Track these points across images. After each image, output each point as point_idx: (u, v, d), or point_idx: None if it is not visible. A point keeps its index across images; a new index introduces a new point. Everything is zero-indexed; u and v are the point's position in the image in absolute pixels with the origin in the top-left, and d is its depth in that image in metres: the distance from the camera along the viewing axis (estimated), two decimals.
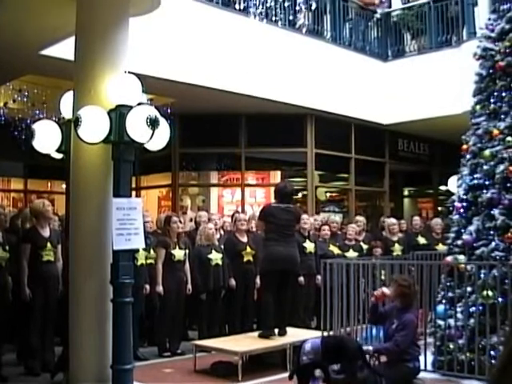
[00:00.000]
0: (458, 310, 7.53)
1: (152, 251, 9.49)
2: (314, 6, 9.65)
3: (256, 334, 9.05)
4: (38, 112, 11.86)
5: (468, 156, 8.16)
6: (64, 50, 8.32)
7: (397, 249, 11.71)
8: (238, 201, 14.73)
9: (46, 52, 9.18)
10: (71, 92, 6.31)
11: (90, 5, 6.23)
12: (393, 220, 12.44)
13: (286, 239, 8.94)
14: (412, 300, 7.31)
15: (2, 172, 15.09)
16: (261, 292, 9.58)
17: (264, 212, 9.22)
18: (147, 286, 9.31)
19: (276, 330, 8.87)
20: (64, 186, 6.94)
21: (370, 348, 7.13)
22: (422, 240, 12.21)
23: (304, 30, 11.74)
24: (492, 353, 7.11)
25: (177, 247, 9.52)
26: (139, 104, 5.82)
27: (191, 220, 12.15)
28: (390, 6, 15.79)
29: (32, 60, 9.45)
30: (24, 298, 8.09)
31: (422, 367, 7.39)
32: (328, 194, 17.24)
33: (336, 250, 11.18)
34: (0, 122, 12.55)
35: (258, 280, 10.12)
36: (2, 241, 7.90)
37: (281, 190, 9.28)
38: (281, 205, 9.02)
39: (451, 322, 7.55)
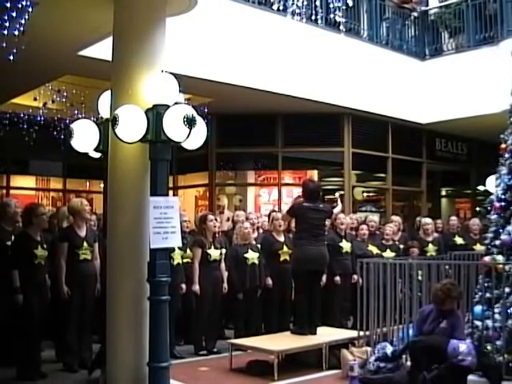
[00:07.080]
0: (496, 310, 7.43)
1: (188, 251, 9.56)
2: (350, 4, 9.58)
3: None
4: (76, 112, 11.97)
5: (506, 155, 8.05)
6: (102, 50, 8.41)
7: (431, 249, 11.57)
8: (274, 200, 14.77)
9: (84, 53, 9.28)
10: (109, 92, 6.36)
11: (127, 5, 6.27)
12: (427, 220, 12.29)
13: (316, 238, 8.96)
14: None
15: (42, 171, 15.31)
16: (295, 292, 9.55)
17: (294, 209, 9.27)
18: (183, 286, 9.37)
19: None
20: (102, 185, 6.97)
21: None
22: (459, 240, 12.08)
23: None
24: None
25: (212, 247, 9.56)
26: (176, 103, 5.85)
27: (228, 219, 12.17)
28: (427, 5, 15.70)
29: (70, 61, 9.54)
30: (62, 296, 8.20)
31: None
32: (365, 194, 17.17)
33: (375, 250, 11.13)
34: (39, 122, 12.70)
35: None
36: (40, 240, 8.00)
37: (308, 188, 9.26)
38: (311, 204, 9.02)
39: (489, 323, 7.45)
